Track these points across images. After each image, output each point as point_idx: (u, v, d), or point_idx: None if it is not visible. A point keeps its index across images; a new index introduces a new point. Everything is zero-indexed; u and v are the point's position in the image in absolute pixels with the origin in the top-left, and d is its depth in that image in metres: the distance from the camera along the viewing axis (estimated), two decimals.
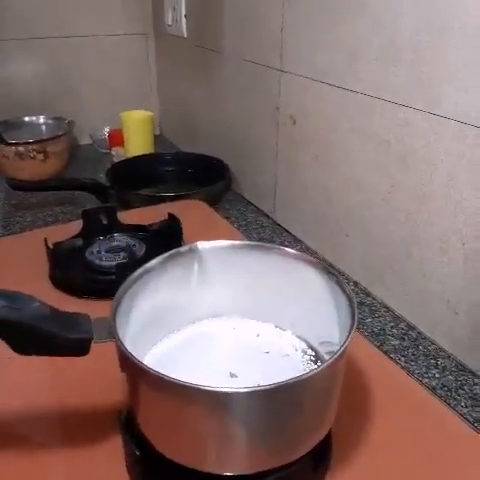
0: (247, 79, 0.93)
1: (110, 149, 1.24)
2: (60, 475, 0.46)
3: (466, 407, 0.54)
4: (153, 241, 0.77)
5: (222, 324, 0.50)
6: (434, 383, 0.57)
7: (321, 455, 0.42)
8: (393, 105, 0.62)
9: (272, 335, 0.49)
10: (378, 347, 0.62)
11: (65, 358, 0.38)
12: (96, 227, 0.77)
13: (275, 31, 0.81)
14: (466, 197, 0.55)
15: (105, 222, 0.79)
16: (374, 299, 0.71)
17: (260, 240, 0.87)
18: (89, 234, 0.77)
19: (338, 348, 0.36)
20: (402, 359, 0.61)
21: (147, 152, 1.18)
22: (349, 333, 0.36)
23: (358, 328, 0.65)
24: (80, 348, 0.37)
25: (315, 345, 0.48)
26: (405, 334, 0.65)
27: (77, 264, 0.73)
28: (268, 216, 0.95)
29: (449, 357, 0.61)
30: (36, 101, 1.23)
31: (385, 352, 0.61)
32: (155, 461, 0.39)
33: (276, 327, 0.50)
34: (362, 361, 0.57)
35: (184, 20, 1.12)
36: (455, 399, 0.55)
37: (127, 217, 0.82)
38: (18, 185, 0.95)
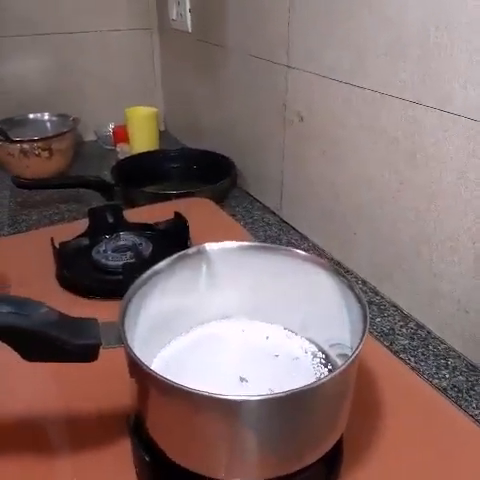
0: (253, 75, 0.92)
1: (115, 146, 1.23)
2: (69, 479, 0.45)
3: (477, 408, 0.53)
4: (160, 240, 0.76)
5: (231, 326, 0.50)
6: (445, 384, 0.56)
7: (332, 461, 0.42)
8: (401, 101, 0.61)
9: (281, 337, 0.49)
10: (387, 347, 0.61)
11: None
12: (102, 226, 0.77)
13: (282, 26, 0.80)
14: (476, 195, 0.54)
15: (111, 220, 0.78)
16: (383, 298, 0.71)
17: (266, 238, 0.86)
18: (95, 233, 0.77)
19: (349, 351, 0.35)
20: (412, 359, 0.60)
21: (152, 148, 1.17)
22: (361, 338, 0.36)
23: None
24: (88, 354, 0.37)
25: (325, 348, 0.47)
26: (414, 333, 0.64)
27: (84, 264, 0.72)
28: (274, 213, 0.94)
29: (459, 357, 0.60)
30: (40, 98, 1.23)
31: (395, 352, 0.61)
32: (165, 466, 0.39)
33: (285, 329, 0.49)
34: (371, 361, 0.56)
35: (189, 15, 1.11)
36: (466, 400, 0.54)
37: (133, 215, 0.81)
38: (23, 183, 0.95)
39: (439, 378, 0.57)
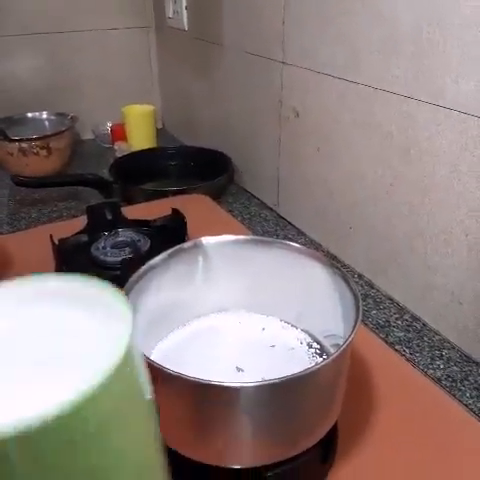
0: (249, 71, 0.93)
1: (113, 144, 1.24)
2: None
3: (471, 398, 0.54)
4: (158, 236, 0.77)
5: (228, 318, 0.51)
6: (439, 374, 0.57)
7: (328, 446, 0.43)
8: (395, 97, 0.62)
9: (277, 329, 0.49)
10: (383, 339, 0.62)
11: None
12: (101, 223, 0.78)
13: (277, 23, 0.81)
14: (469, 188, 0.55)
15: (109, 217, 0.79)
16: (378, 291, 0.71)
17: (264, 233, 0.87)
18: (94, 230, 0.77)
19: (343, 341, 0.36)
20: (407, 351, 0.61)
21: (150, 146, 1.18)
22: (354, 327, 0.36)
23: (363, 320, 0.66)
24: None
25: (320, 338, 0.48)
26: (410, 325, 0.65)
27: (83, 260, 0.73)
28: (271, 209, 0.95)
29: (454, 348, 0.61)
30: (38, 97, 1.23)
31: (390, 344, 0.62)
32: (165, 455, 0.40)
33: (281, 321, 0.50)
34: (367, 353, 0.57)
35: (185, 12, 1.11)
36: (460, 390, 0.55)
37: (131, 212, 0.82)
38: (22, 181, 0.96)
39: (434, 368, 0.58)
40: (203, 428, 0.37)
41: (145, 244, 0.74)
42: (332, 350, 0.46)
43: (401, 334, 0.64)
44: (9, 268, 0.72)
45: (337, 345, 0.45)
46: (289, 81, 0.82)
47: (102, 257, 0.72)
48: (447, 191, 0.58)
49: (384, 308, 0.68)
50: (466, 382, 0.56)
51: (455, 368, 0.58)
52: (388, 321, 0.66)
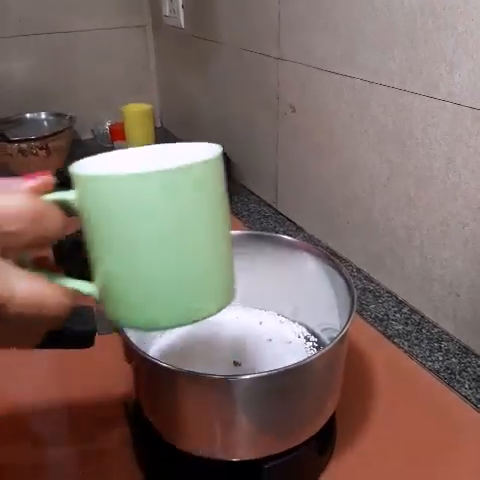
0: (246, 68, 0.93)
1: (112, 143, 1.24)
2: (70, 466, 0.47)
3: (470, 389, 0.54)
4: None
5: (225, 313, 0.50)
6: (437, 366, 0.57)
7: (326, 438, 0.43)
8: (391, 90, 0.62)
9: (275, 323, 0.50)
10: (382, 332, 0.63)
11: (68, 351, 0.39)
12: None
13: (272, 19, 0.81)
14: (464, 180, 0.55)
15: None
16: (377, 285, 0.72)
17: (263, 230, 0.87)
18: None
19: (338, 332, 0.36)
20: (406, 343, 0.61)
21: (148, 145, 1.18)
22: (349, 317, 0.37)
23: (362, 314, 0.66)
24: (85, 340, 0.38)
25: (317, 331, 0.48)
26: (408, 318, 0.65)
27: (81, 258, 0.73)
28: (270, 206, 0.95)
29: (452, 340, 0.61)
30: (36, 97, 1.23)
31: (389, 337, 0.62)
32: (163, 450, 0.40)
33: (278, 315, 0.50)
34: (366, 346, 0.58)
35: (181, 10, 1.11)
36: (459, 381, 0.55)
37: None
38: None
39: (432, 361, 0.58)
40: (200, 422, 0.37)
41: None
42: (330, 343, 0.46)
43: (400, 327, 0.64)
44: None
45: (334, 338, 0.45)
46: (285, 77, 0.82)
47: None
48: (443, 183, 0.58)
49: (383, 302, 0.68)
50: (465, 373, 0.56)
51: (454, 360, 0.58)
52: (387, 314, 0.66)
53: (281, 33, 0.80)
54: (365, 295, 0.70)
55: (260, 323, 0.49)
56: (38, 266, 0.29)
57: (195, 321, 0.27)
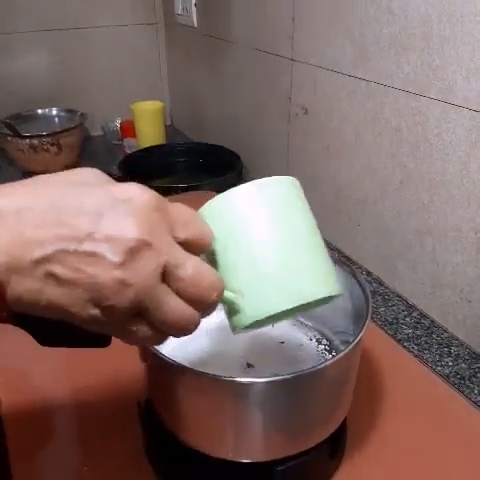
0: (258, 68, 0.93)
1: (122, 140, 1.24)
2: (81, 464, 0.47)
3: (479, 395, 0.54)
4: None
5: None
6: (447, 371, 0.57)
7: (337, 442, 0.43)
8: (405, 94, 0.62)
9: (287, 325, 0.50)
10: (391, 336, 0.63)
11: (83, 350, 0.39)
12: None
13: (286, 20, 0.81)
14: (478, 186, 0.55)
15: None
16: (387, 288, 0.72)
17: None
18: None
19: (352, 338, 0.37)
20: (415, 348, 0.61)
21: (158, 143, 1.18)
22: (364, 324, 0.37)
23: (372, 317, 0.66)
24: (102, 340, 0.38)
25: (329, 335, 0.48)
26: (418, 323, 0.65)
27: None
28: None
29: (462, 345, 0.61)
30: (48, 93, 1.24)
31: (398, 341, 0.62)
32: (176, 450, 0.40)
33: None
34: (376, 350, 0.58)
35: (194, 9, 1.12)
36: (468, 387, 0.55)
37: None
38: None
39: (442, 365, 0.58)
40: (215, 423, 0.37)
41: None
42: (342, 346, 0.46)
43: (409, 331, 0.64)
44: None
45: (347, 341, 0.46)
46: (298, 78, 0.82)
47: None
48: (457, 188, 0.58)
49: (392, 305, 0.68)
50: (474, 379, 0.56)
51: (463, 365, 0.58)
52: (396, 318, 0.66)
53: (295, 34, 0.80)
54: (375, 298, 0.70)
55: (272, 325, 0.49)
56: None
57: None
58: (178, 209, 0.29)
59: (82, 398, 0.53)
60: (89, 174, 0.28)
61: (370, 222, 0.73)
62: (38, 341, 0.36)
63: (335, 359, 0.35)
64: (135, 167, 1.03)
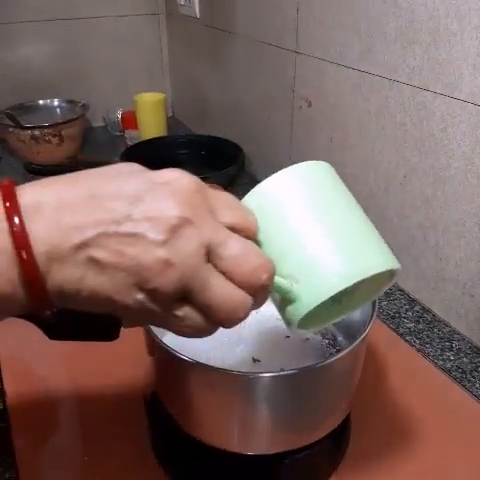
0: (261, 60, 0.92)
1: (123, 132, 1.24)
2: (88, 457, 0.47)
3: None
4: None
5: None
6: (449, 365, 0.58)
7: (341, 436, 0.44)
8: (410, 88, 0.62)
9: None
10: (393, 330, 0.63)
11: (90, 343, 0.39)
12: None
13: (291, 12, 0.80)
14: None
15: None
16: None
17: None
18: None
19: (357, 333, 0.37)
20: (417, 341, 0.62)
21: (160, 134, 1.18)
22: (369, 321, 0.37)
23: None
24: (110, 333, 0.38)
25: (333, 329, 0.49)
26: (420, 317, 0.66)
27: None
28: None
29: (464, 339, 0.62)
30: (49, 84, 1.23)
31: (400, 335, 0.62)
32: (182, 442, 0.41)
33: None
34: (378, 344, 0.58)
35: (197, 0, 1.11)
36: (469, 381, 0.56)
37: None
38: (34, 169, 0.97)
39: (443, 360, 0.59)
40: (223, 416, 0.38)
41: None
42: (346, 341, 0.47)
43: (411, 325, 0.64)
44: None
45: (351, 336, 0.46)
46: (302, 70, 0.82)
47: None
48: (461, 183, 0.58)
49: (394, 299, 0.69)
50: (475, 373, 0.57)
51: (465, 359, 0.59)
52: (398, 312, 0.67)
53: (299, 26, 0.79)
54: None
55: (278, 319, 0.50)
56: None
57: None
58: (220, 194, 0.28)
59: (87, 390, 0.53)
60: (126, 166, 0.28)
61: (373, 216, 0.72)
62: (47, 335, 0.37)
63: (342, 354, 0.36)
64: (136, 158, 1.02)
